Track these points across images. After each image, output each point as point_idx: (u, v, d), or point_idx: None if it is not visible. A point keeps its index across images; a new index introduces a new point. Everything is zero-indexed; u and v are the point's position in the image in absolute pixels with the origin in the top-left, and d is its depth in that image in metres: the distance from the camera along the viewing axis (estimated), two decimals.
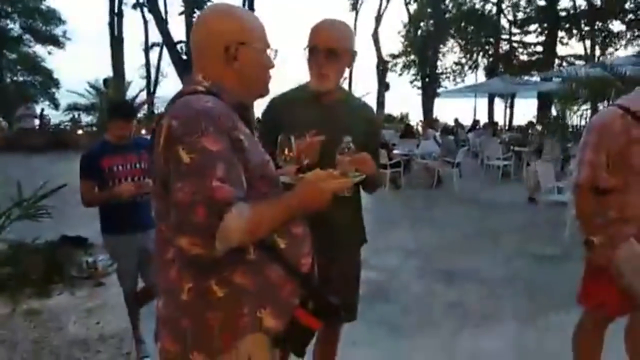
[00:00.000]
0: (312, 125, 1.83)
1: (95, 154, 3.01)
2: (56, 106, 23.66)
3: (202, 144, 1.18)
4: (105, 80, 17.65)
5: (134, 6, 23.87)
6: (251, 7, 17.63)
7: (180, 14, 19.48)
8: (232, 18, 1.37)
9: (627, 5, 24.67)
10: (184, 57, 18.26)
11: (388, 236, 6.54)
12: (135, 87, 19.22)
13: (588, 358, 2.34)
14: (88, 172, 2.97)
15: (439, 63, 29.93)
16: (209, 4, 18.26)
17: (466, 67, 30.51)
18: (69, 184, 3.07)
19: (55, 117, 22.74)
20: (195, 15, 18.92)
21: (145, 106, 17.66)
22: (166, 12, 20.54)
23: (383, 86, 28.21)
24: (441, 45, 29.70)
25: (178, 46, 17.94)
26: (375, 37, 28.03)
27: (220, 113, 1.25)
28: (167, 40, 17.94)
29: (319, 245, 1.47)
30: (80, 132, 18.87)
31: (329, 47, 1.93)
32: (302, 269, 1.38)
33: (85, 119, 18.87)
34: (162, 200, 1.29)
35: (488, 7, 28.66)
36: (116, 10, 22.03)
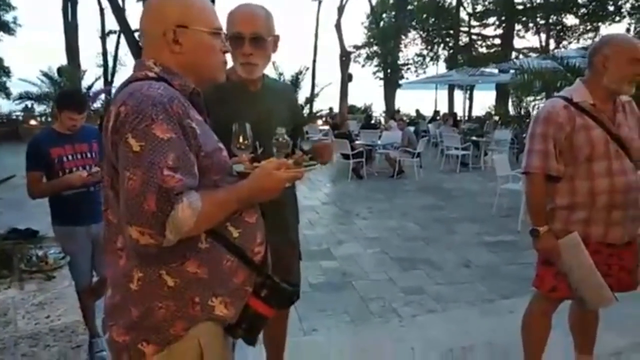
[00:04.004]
0: (244, 115, 1.74)
1: (43, 144, 2.90)
2: (7, 95, 22.63)
3: (152, 132, 1.16)
4: (60, 69, 17.01)
5: None
6: None
7: (138, 0, 18.90)
8: (172, 1, 1.34)
9: (580, 0, 25.53)
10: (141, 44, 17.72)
11: (350, 226, 6.62)
12: (92, 75, 18.59)
13: (536, 340, 2.45)
14: (36, 162, 2.87)
15: (400, 54, 30.24)
16: None
17: (427, 59, 30.94)
18: (19, 175, 2.97)
19: (6, 106, 21.81)
20: None
21: (103, 95, 17.12)
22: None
23: (346, 77, 28.27)
24: (403, 37, 29.99)
25: (136, 34, 17.36)
26: (338, 27, 28.01)
27: (172, 100, 1.22)
28: (125, 28, 17.33)
29: (266, 230, 1.48)
30: (33, 122, 18.17)
31: (255, 34, 1.84)
32: (255, 258, 1.38)
33: (38, 108, 18.19)
34: (111, 188, 1.27)
35: None
36: None
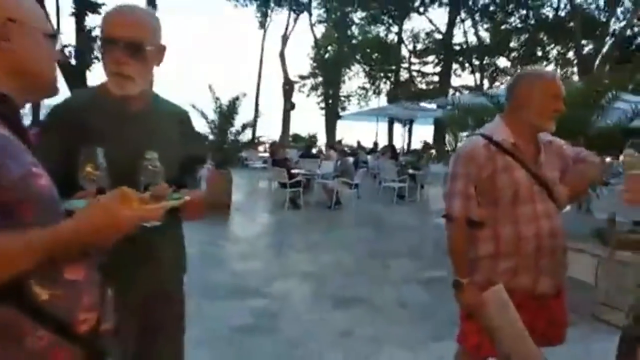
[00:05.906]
0: (113, 137, 1.45)
1: None
2: None
3: None
4: None
5: None
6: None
7: (72, 15, 18.07)
8: None
9: (512, 44, 27.41)
10: (73, 61, 17.03)
11: (284, 260, 6.35)
12: None
13: None
14: None
15: (344, 86, 30.85)
16: (103, 7, 17.16)
17: (370, 92, 31.73)
18: None
19: None
20: (87, 17, 17.75)
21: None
22: (58, 13, 18.86)
23: (289, 105, 28.33)
24: (347, 70, 30.63)
25: (66, 50, 16.60)
26: (282, 56, 28.20)
27: None
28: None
29: (136, 291, 1.16)
30: None
31: (131, 40, 1.48)
32: (79, 328, 1.01)
33: None
34: None
35: (391, 36, 30.15)
36: None
